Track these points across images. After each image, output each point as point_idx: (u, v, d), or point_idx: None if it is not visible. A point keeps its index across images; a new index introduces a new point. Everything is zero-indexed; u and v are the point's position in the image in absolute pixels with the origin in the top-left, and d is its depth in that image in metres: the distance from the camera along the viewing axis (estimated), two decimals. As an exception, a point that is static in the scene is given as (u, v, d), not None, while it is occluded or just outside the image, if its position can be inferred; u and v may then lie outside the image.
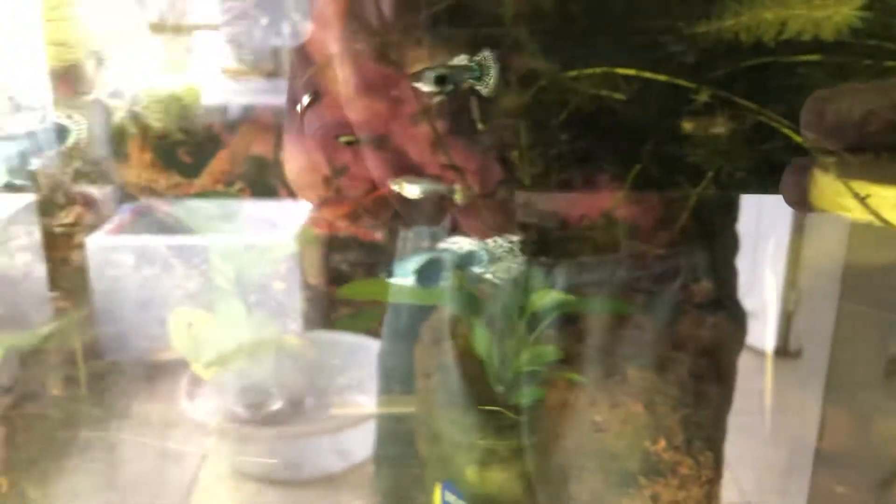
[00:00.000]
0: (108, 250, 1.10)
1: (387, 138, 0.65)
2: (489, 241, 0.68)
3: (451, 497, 0.60)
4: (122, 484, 0.89)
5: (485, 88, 0.60)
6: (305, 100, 0.74)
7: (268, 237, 1.06)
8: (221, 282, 0.82)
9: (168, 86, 1.12)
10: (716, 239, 0.72)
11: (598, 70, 0.56)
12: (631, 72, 0.54)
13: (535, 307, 0.59)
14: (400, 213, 0.75)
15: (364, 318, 0.68)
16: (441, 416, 0.65)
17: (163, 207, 1.17)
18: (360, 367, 1.01)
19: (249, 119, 0.91)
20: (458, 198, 0.73)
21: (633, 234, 0.67)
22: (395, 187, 0.70)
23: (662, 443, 0.62)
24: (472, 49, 0.62)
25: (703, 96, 0.52)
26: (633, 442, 0.61)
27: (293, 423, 0.98)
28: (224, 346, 0.67)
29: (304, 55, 0.67)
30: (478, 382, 0.61)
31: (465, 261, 0.66)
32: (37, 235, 1.03)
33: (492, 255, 0.67)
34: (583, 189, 0.70)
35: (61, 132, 0.90)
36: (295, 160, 0.73)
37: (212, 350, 0.72)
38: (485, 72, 0.59)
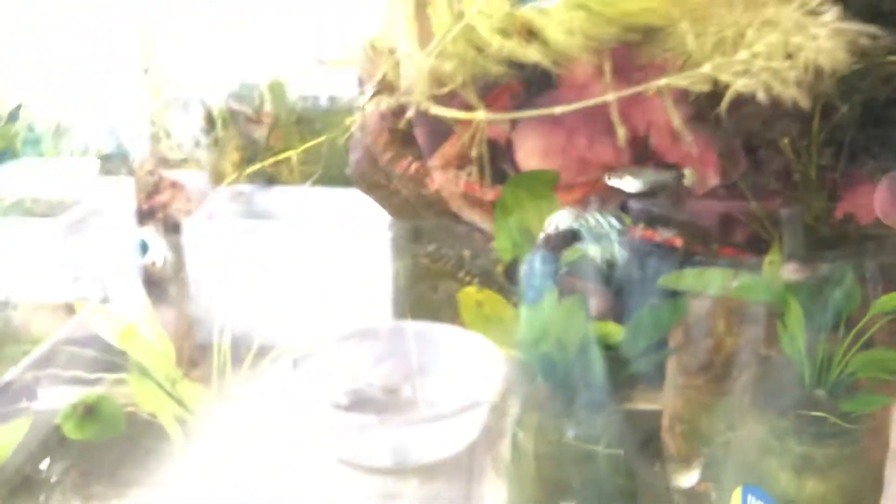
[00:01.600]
0: (204, 234, 1.14)
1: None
2: (590, 218, 0.65)
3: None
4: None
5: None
6: (370, 92, 0.74)
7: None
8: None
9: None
10: None
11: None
12: None
13: (884, 309, 0.54)
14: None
15: (677, 309, 0.65)
16: (720, 417, 0.63)
17: (255, 194, 1.22)
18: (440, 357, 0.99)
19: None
20: (688, 181, 0.69)
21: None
22: (613, 182, 0.68)
23: None
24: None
25: None
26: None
27: (391, 412, 0.96)
28: (529, 330, 0.66)
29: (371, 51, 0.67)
30: (789, 385, 0.58)
31: (565, 239, 0.64)
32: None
33: (593, 234, 0.65)
34: (867, 183, 0.65)
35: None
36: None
37: (506, 332, 0.72)
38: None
